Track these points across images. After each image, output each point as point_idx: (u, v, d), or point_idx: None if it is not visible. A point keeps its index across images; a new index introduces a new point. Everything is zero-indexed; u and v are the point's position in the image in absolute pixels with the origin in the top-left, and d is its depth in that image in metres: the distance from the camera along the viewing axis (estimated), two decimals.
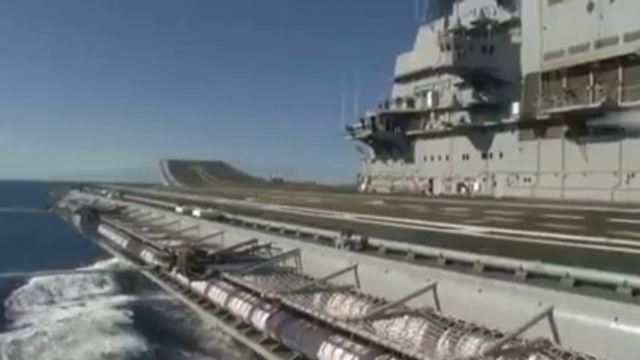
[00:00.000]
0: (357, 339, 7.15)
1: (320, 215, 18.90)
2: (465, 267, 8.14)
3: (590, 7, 35.40)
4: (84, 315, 24.23)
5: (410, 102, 54.06)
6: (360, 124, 57.49)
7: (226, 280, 11.12)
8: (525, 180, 39.74)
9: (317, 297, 8.70)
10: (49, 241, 42.73)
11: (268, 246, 12.07)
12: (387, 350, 6.65)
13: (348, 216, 18.44)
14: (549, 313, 5.88)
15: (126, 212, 27.18)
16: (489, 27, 44.28)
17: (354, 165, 64.17)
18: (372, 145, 58.70)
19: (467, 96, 46.08)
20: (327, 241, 11.34)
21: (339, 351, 7.31)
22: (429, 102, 51.28)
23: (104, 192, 42.71)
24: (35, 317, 24.11)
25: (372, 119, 55.23)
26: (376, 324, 7.12)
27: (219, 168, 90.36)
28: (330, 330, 7.74)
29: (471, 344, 6.02)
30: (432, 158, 50.44)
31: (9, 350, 19.61)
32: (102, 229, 24.00)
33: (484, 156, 44.19)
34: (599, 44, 34.56)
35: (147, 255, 15.77)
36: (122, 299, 26.94)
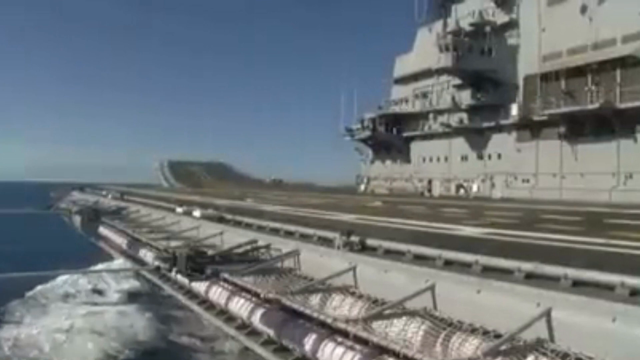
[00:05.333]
0: (357, 339, 7.19)
1: (319, 216, 18.93)
2: (463, 267, 8.18)
3: (583, 9, 35.58)
4: (84, 315, 24.23)
5: (410, 103, 54.15)
6: (359, 125, 57.55)
7: (226, 281, 11.18)
8: (523, 181, 39.78)
9: (317, 297, 8.75)
10: (49, 242, 42.73)
11: (268, 247, 12.11)
12: (386, 351, 6.69)
13: (347, 217, 18.48)
14: (548, 313, 5.93)
15: (126, 212, 27.23)
16: (488, 28, 44.31)
17: (353, 166, 64.23)
18: (372, 147, 58.75)
19: (465, 97, 46.12)
20: (327, 242, 11.38)
21: (338, 351, 7.35)
22: (428, 103, 51.37)
23: (104, 192, 42.74)
24: (34, 317, 24.09)
25: (372, 120, 55.32)
26: (375, 324, 7.16)
27: (219, 169, 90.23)
28: (329, 330, 7.79)
29: (470, 344, 6.06)
30: (430, 159, 50.50)
31: (7, 350, 19.61)
32: (102, 230, 24.05)
33: (483, 157, 44.25)
34: (596, 46, 34.67)
35: (148, 256, 15.83)
36: (122, 299, 26.93)
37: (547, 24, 38.64)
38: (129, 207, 28.69)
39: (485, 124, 43.21)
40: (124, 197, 36.13)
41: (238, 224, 16.68)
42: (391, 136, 54.46)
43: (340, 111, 60.54)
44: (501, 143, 42.20)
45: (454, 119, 47.22)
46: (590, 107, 33.45)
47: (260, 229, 15.00)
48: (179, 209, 21.64)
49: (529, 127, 39.35)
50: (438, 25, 49.22)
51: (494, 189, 41.45)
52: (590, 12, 35.05)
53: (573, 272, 6.91)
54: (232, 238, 13.95)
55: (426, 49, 49.28)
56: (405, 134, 53.27)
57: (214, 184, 67.93)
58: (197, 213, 19.16)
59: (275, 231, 14.22)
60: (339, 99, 60.43)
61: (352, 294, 8.60)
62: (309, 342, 7.98)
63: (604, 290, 6.36)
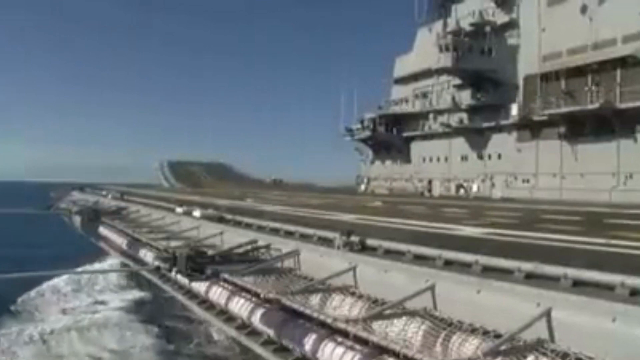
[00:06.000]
0: (357, 339, 7.18)
1: (319, 216, 18.93)
2: (464, 267, 8.18)
3: (583, 9, 35.61)
4: (84, 315, 24.25)
5: (410, 103, 54.17)
6: (359, 125, 57.58)
7: (226, 281, 11.16)
8: (523, 181, 39.80)
9: (317, 297, 8.73)
10: (49, 242, 42.79)
11: (268, 247, 12.09)
12: (386, 351, 6.69)
13: (347, 217, 18.48)
14: (548, 314, 5.92)
15: (127, 212, 27.17)
16: (488, 28, 44.32)
17: (353, 166, 64.30)
18: (372, 147, 58.76)
19: (465, 97, 46.14)
20: (327, 242, 11.38)
21: (338, 351, 7.35)
22: (428, 103, 51.39)
23: (104, 192, 42.74)
24: (34, 317, 24.12)
25: (372, 120, 55.34)
26: (375, 325, 7.15)
27: (219, 169, 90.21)
28: (329, 330, 7.78)
29: (470, 345, 6.05)
30: (430, 159, 50.52)
31: (8, 349, 19.62)
32: (102, 230, 23.99)
33: (483, 157, 44.26)
34: (596, 46, 34.69)
35: (148, 256, 15.81)
36: (122, 299, 26.96)
37: (547, 24, 38.64)
38: (129, 207, 28.65)
39: (485, 124, 43.24)
40: (124, 197, 36.11)
41: (238, 224, 16.66)
42: (391, 136, 54.47)
43: (340, 111, 60.65)
44: (501, 143, 42.23)
45: (454, 119, 47.23)
46: (590, 107, 33.47)
47: (260, 229, 14.99)
48: (179, 209, 21.62)
49: (529, 127, 39.37)
50: (438, 25, 49.23)
51: (494, 189, 41.46)
52: (590, 12, 35.09)
53: (573, 272, 6.90)
54: (232, 238, 13.94)
55: (426, 49, 49.29)
56: (405, 134, 53.30)
57: (214, 184, 67.94)
58: (197, 213, 19.15)
59: (275, 231, 14.21)
60: (339, 99, 60.50)
61: (352, 294, 8.59)
62: (309, 342, 7.97)
63: (604, 290, 6.36)
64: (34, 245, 41.98)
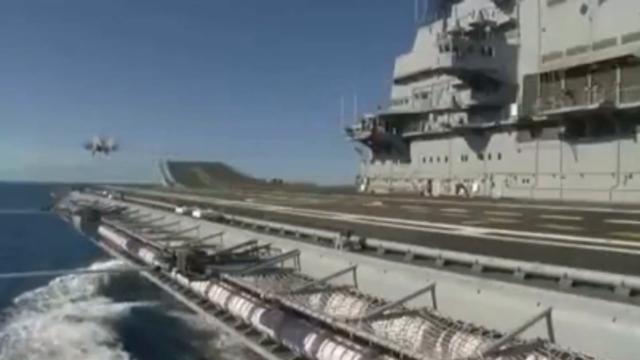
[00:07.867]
0: (357, 339, 7.18)
1: (319, 216, 18.92)
2: (464, 267, 8.17)
3: (583, 9, 35.63)
4: (84, 315, 24.22)
5: (409, 103, 54.20)
6: (359, 125, 57.62)
7: (226, 281, 11.17)
8: (523, 181, 39.80)
9: (317, 297, 8.72)
10: (49, 242, 42.78)
11: (268, 247, 12.08)
12: (386, 351, 6.69)
13: (347, 217, 18.47)
14: (548, 314, 5.92)
15: (126, 212, 27.17)
16: (488, 28, 44.33)
17: (353, 166, 64.37)
18: (371, 147, 58.79)
19: (465, 97, 46.14)
20: (327, 242, 11.37)
21: (338, 351, 7.35)
22: (428, 103, 51.39)
23: (104, 193, 42.75)
24: (35, 317, 24.10)
25: (372, 120, 55.37)
26: (375, 325, 7.14)
27: (219, 169, 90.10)
28: (329, 330, 7.77)
29: (470, 344, 6.05)
30: (430, 159, 50.54)
31: (8, 349, 19.61)
32: (102, 230, 24.00)
33: (483, 157, 44.26)
34: (596, 46, 34.69)
35: (147, 256, 15.80)
36: (122, 299, 26.92)
37: (547, 24, 38.67)
38: (128, 207, 28.65)
39: (485, 124, 43.25)
40: (124, 197, 36.11)
41: (238, 224, 16.65)
42: (391, 136, 54.52)
43: (340, 111, 60.73)
44: (501, 143, 42.25)
45: (454, 119, 47.24)
46: (590, 107, 33.48)
47: (260, 229, 14.98)
48: (179, 209, 21.61)
49: (529, 127, 39.39)
50: (438, 25, 49.27)
51: (494, 188, 41.47)
52: (590, 12, 35.12)
53: (573, 272, 6.90)
54: (232, 238, 13.93)
55: (426, 49, 49.31)
56: (405, 134, 53.34)
57: (214, 184, 67.94)
58: (197, 213, 19.14)
59: (275, 231, 14.20)
60: (339, 99, 60.62)
61: (352, 294, 8.58)
62: (309, 342, 7.97)
63: (604, 290, 6.36)
64: (34, 246, 41.95)
